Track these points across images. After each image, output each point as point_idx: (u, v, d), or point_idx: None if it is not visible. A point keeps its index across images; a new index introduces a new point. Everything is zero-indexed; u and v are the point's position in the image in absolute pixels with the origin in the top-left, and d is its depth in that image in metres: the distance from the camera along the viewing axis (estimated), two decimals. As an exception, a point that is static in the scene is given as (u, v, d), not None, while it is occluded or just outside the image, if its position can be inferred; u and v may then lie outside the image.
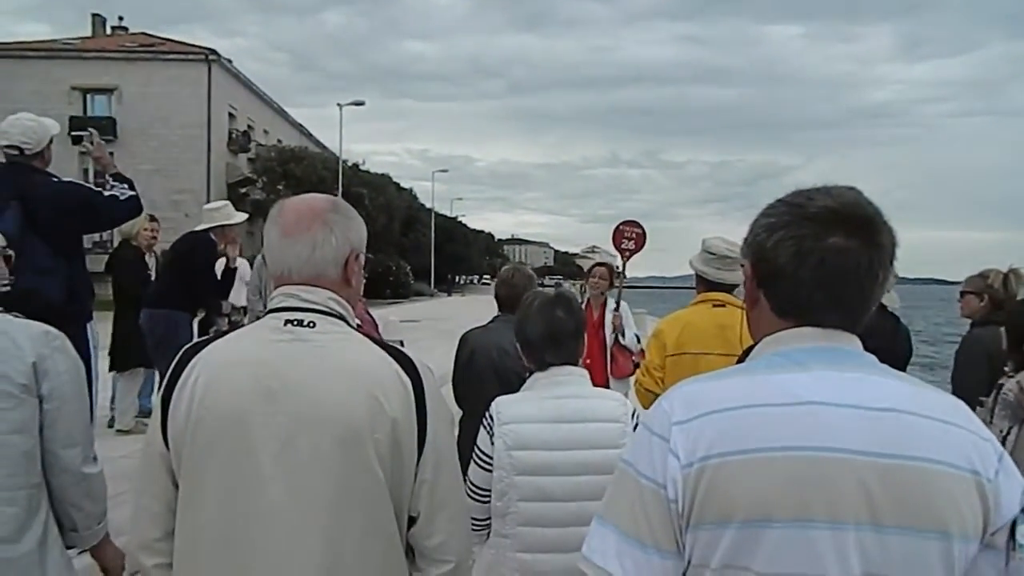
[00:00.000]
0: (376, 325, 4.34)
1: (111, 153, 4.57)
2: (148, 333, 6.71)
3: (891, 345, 3.89)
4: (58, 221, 4.03)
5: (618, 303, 6.12)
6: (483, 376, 3.51)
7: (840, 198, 1.27)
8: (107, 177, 4.37)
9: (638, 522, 1.21)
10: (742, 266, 1.39)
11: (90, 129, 4.64)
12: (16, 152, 4.12)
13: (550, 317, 2.55)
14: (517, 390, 2.59)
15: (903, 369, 4.07)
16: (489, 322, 3.87)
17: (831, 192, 1.29)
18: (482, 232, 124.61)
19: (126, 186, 4.31)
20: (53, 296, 3.98)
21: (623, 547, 1.22)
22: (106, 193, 4.27)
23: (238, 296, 8.11)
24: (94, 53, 40.06)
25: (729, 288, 3.80)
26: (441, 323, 25.08)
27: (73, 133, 32.82)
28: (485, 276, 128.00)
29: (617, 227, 6.54)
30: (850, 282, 1.25)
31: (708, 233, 3.95)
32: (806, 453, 1.17)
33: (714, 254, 3.78)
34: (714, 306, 3.71)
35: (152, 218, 8.28)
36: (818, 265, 1.25)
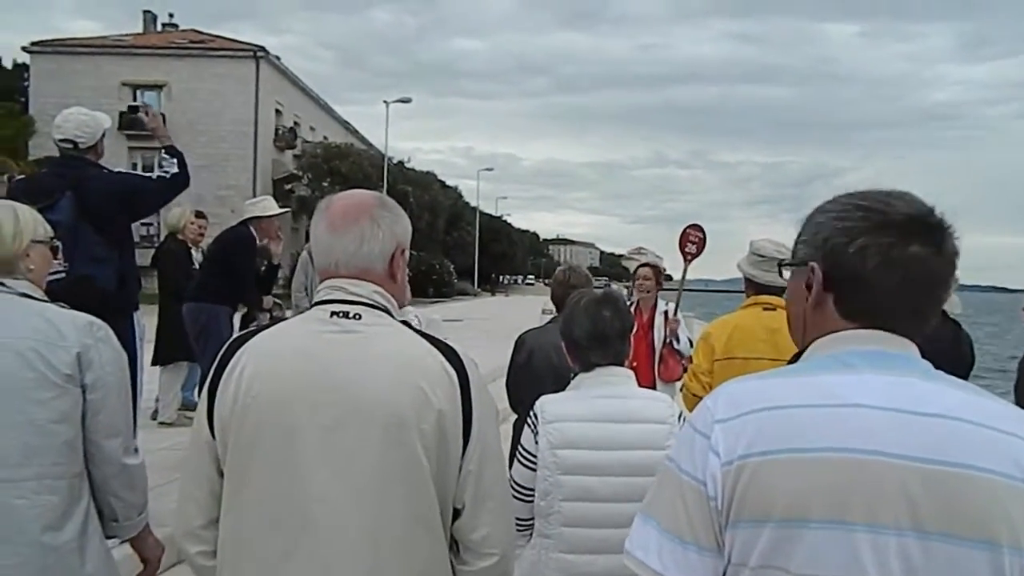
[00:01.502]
0: (419, 324, 4.37)
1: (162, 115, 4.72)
2: (190, 325, 6.88)
3: (953, 352, 3.80)
4: (110, 209, 4.17)
5: (677, 307, 6.10)
6: (542, 378, 3.51)
7: (914, 204, 1.29)
8: (159, 152, 4.51)
9: (678, 518, 1.24)
10: (796, 266, 1.38)
11: (144, 101, 4.86)
12: (70, 146, 4.25)
13: (597, 317, 2.55)
14: None
15: (966, 377, 4.00)
16: (548, 323, 3.89)
17: (903, 197, 1.31)
18: (527, 231, 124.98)
19: (175, 160, 4.44)
20: (106, 284, 4.13)
21: (664, 542, 1.24)
22: (154, 176, 4.42)
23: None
24: (144, 50, 40.99)
25: (779, 291, 3.75)
26: (485, 323, 25.12)
27: (130, 104, 33.47)
28: (529, 276, 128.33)
29: (684, 230, 6.53)
30: (930, 292, 1.28)
31: (758, 235, 3.93)
32: (846, 455, 1.17)
33: (763, 256, 3.75)
34: (764, 309, 3.70)
35: (200, 214, 8.43)
36: (904, 276, 1.27)
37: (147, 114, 4.61)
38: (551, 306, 4.12)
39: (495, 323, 23.05)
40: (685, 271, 6.56)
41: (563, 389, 2.60)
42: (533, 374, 3.60)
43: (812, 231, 1.35)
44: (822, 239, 1.32)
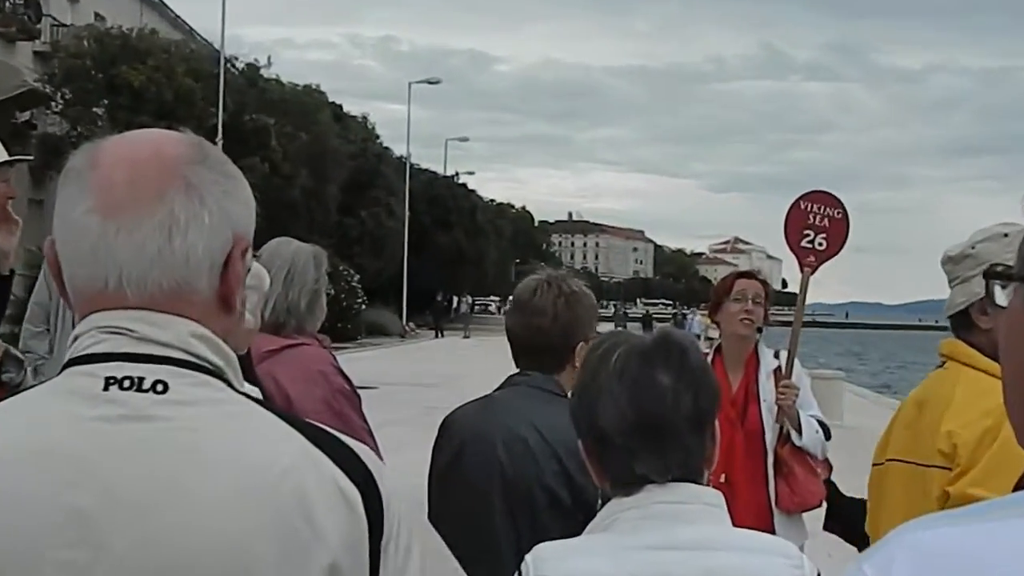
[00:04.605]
0: (357, 399, 4.41)
1: None
2: None
3: None
4: None
5: (790, 360, 6.11)
6: (479, 495, 3.57)
7: None
8: None
9: None
10: None
11: None
12: None
13: (644, 387, 2.57)
14: (552, 526, 2.59)
15: None
16: (497, 389, 3.94)
17: None
18: (511, 207, 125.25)
19: None
20: None
21: None
22: None
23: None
24: None
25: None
26: (421, 393, 24.94)
27: None
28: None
29: (795, 204, 6.49)
30: None
31: (968, 212, 3.97)
32: None
33: (957, 258, 3.79)
34: (938, 365, 3.89)
35: None
36: None
37: None
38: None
39: (443, 395, 22.81)
40: (804, 286, 6.55)
41: (525, 519, 2.59)
42: (464, 488, 3.66)
43: None
44: None
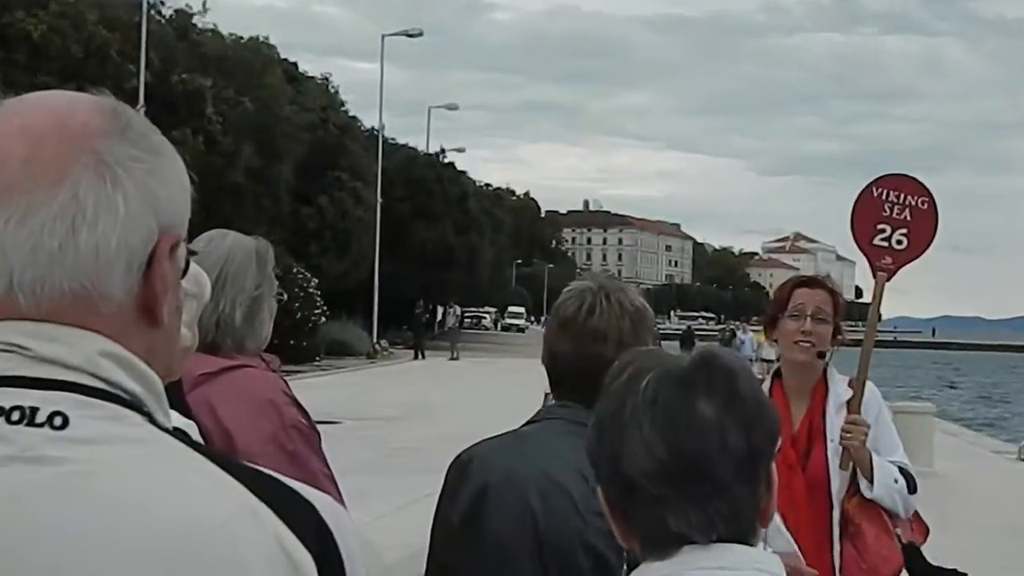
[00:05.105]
0: (316, 436, 4.41)
1: None
2: None
3: None
4: None
5: (859, 388, 6.10)
6: (505, 553, 3.58)
7: None
8: None
9: None
10: None
11: None
12: None
13: (682, 421, 2.53)
14: None
15: None
16: (528, 422, 3.93)
17: None
18: (511, 194, 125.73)
19: None
20: None
21: None
22: None
23: None
24: None
25: None
26: (392, 430, 24.99)
27: None
28: (516, 309, 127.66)
29: (866, 190, 6.44)
30: None
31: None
32: None
33: None
34: None
35: None
36: None
37: None
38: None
39: (420, 434, 22.86)
40: (878, 295, 6.49)
41: None
42: (486, 544, 3.66)
43: None
44: None
